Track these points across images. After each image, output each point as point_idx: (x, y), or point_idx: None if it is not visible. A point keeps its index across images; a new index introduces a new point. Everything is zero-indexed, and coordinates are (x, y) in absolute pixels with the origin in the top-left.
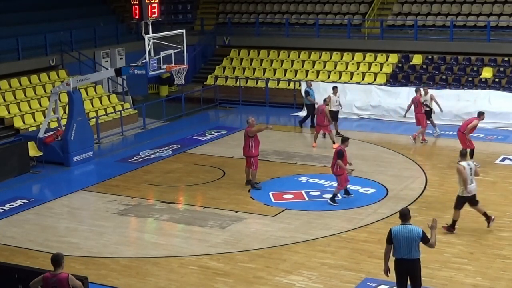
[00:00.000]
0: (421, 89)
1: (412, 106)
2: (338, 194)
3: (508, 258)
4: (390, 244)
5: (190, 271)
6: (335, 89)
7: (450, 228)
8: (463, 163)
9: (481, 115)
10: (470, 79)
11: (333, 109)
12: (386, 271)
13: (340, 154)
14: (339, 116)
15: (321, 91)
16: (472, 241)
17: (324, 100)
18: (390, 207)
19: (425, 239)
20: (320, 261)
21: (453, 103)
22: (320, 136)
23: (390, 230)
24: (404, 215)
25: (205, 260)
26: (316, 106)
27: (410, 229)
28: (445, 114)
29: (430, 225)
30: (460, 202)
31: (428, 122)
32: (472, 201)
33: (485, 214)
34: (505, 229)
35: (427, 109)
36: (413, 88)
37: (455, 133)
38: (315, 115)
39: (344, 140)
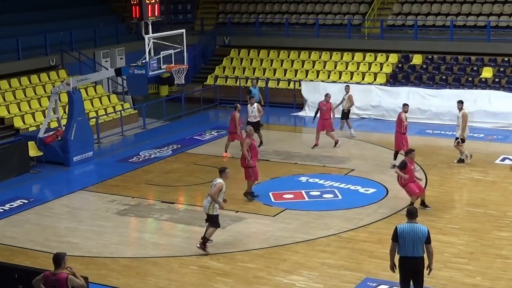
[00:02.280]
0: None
1: (319, 112)
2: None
3: (508, 258)
4: (395, 242)
5: (190, 271)
6: (251, 99)
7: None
8: (218, 178)
9: (404, 106)
10: (470, 79)
11: (250, 120)
12: (392, 267)
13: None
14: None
15: (321, 91)
16: (472, 241)
17: (236, 107)
18: (390, 207)
19: (428, 239)
20: (320, 261)
21: (453, 103)
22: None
23: (396, 227)
24: (412, 213)
25: (205, 260)
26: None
27: (416, 228)
28: (445, 114)
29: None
30: None
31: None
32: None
33: (203, 238)
34: (505, 229)
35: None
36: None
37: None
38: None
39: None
